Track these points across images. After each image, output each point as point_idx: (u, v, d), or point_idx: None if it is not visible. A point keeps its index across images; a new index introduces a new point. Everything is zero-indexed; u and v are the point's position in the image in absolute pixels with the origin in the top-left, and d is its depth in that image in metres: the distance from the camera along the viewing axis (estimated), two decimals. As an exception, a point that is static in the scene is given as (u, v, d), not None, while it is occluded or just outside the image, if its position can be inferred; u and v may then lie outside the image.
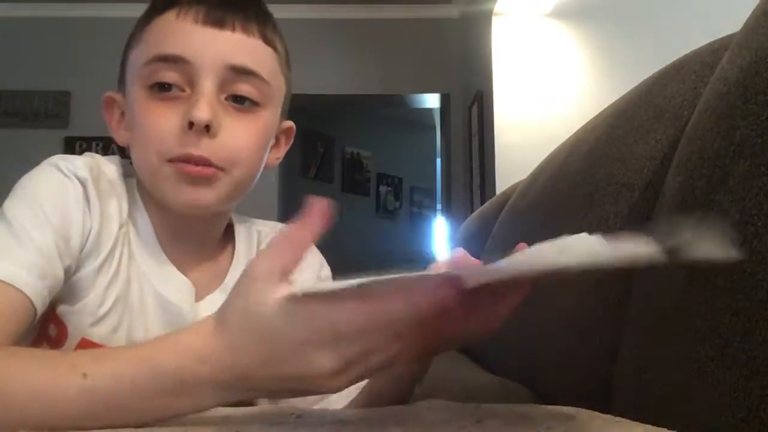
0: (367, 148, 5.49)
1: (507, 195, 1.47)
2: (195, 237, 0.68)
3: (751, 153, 0.44)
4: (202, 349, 0.41)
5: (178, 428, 0.42)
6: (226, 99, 0.62)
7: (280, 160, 0.73)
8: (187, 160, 0.60)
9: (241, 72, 0.62)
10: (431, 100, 4.17)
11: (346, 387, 0.40)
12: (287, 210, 4.05)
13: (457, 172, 3.87)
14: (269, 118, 0.66)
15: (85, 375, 0.41)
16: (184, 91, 0.61)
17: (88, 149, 3.97)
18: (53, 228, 0.58)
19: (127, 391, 0.41)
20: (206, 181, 0.61)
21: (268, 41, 0.65)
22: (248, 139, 0.63)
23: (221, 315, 0.41)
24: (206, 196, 0.61)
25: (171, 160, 0.60)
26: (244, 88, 0.62)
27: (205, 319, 0.42)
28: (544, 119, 2.70)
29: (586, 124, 0.98)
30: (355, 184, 5.43)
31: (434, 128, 4.55)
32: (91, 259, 0.61)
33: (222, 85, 0.62)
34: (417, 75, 4.04)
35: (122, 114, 0.67)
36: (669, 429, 0.39)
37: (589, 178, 0.80)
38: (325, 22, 4.04)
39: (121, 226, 0.64)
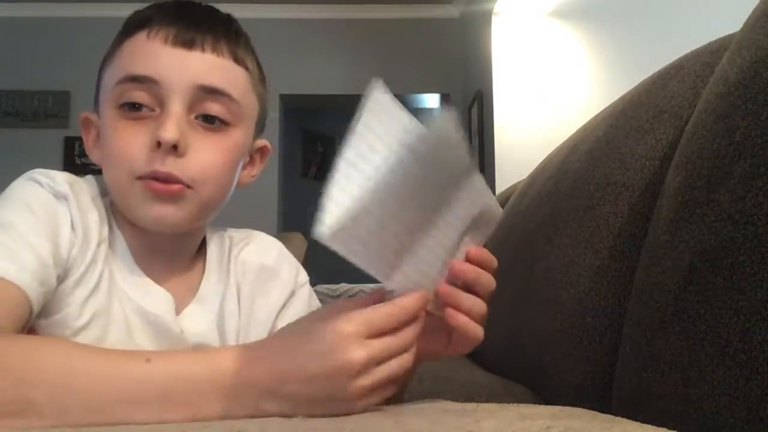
0: (367, 148, 5.48)
1: (507, 195, 1.47)
2: (168, 252, 0.69)
3: (751, 153, 0.44)
4: (254, 353, 0.47)
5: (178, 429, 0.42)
6: (196, 118, 0.63)
7: (255, 178, 0.73)
8: (155, 177, 0.61)
9: (211, 92, 0.63)
10: (431, 100, 4.17)
11: (369, 394, 0.46)
12: (287, 210, 4.05)
13: (457, 172, 3.86)
14: (239, 137, 0.66)
15: (148, 360, 0.46)
16: (154, 110, 0.62)
17: (88, 149, 3.97)
18: (47, 236, 0.58)
19: (181, 383, 0.46)
20: (172, 198, 0.61)
21: (238, 60, 0.66)
22: (217, 158, 0.64)
23: (279, 330, 0.51)
24: (173, 214, 0.62)
25: (140, 177, 0.61)
26: (214, 108, 0.63)
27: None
28: (544, 119, 2.70)
29: (586, 124, 0.98)
30: (355, 184, 5.42)
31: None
32: (71, 273, 0.61)
33: (191, 105, 0.62)
34: (417, 75, 4.04)
35: (98, 134, 0.68)
36: (669, 429, 0.39)
37: (589, 178, 0.80)
38: (325, 22, 4.04)
39: (99, 243, 0.64)
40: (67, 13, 3.97)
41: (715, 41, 0.68)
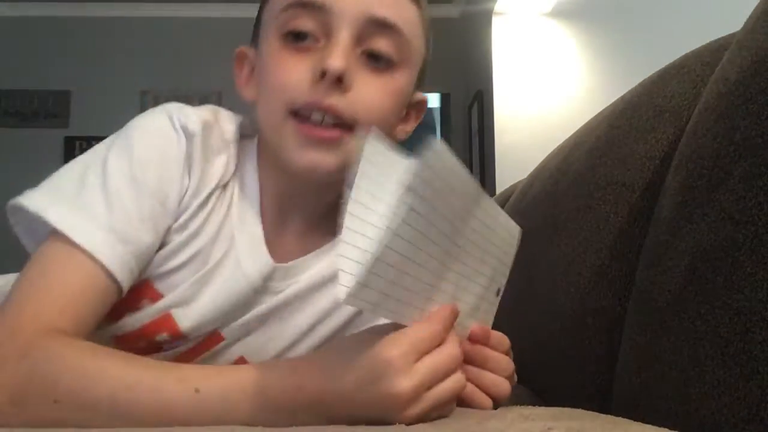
0: (367, 148, 5.48)
1: (507, 195, 1.47)
2: (300, 209, 0.65)
3: (751, 153, 0.44)
4: (301, 375, 0.45)
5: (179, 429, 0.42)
6: (362, 54, 0.58)
7: (408, 135, 0.67)
8: (315, 106, 0.56)
9: (383, 26, 0.58)
10: (431, 100, 4.17)
11: (422, 418, 0.43)
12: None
13: (457, 172, 3.86)
14: (405, 81, 0.61)
15: (197, 390, 0.45)
16: (318, 41, 0.58)
17: (88, 149, 3.98)
18: (150, 192, 0.56)
19: (233, 408, 0.45)
20: (328, 145, 0.57)
21: None
22: (381, 100, 0.59)
23: (323, 348, 0.48)
24: (328, 160, 0.57)
25: (296, 112, 0.57)
26: (383, 44, 0.58)
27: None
28: (544, 119, 2.70)
29: (586, 124, 0.98)
30: (355, 184, 5.42)
31: (434, 128, 4.55)
32: (178, 217, 0.59)
33: (360, 38, 0.58)
34: (417, 75, 4.04)
35: (251, 71, 0.65)
36: (669, 429, 0.39)
37: (589, 178, 0.79)
38: (325, 22, 4.04)
39: (219, 186, 0.61)
40: (67, 13, 3.96)
41: (715, 41, 0.68)
